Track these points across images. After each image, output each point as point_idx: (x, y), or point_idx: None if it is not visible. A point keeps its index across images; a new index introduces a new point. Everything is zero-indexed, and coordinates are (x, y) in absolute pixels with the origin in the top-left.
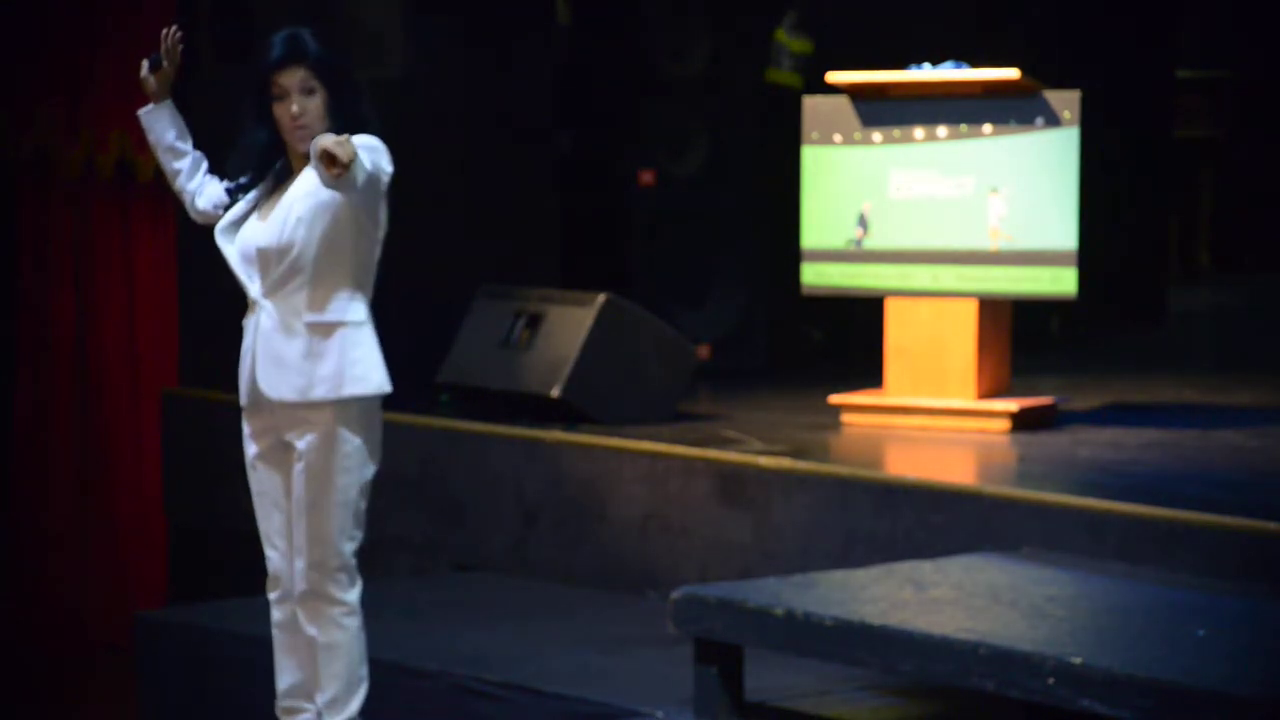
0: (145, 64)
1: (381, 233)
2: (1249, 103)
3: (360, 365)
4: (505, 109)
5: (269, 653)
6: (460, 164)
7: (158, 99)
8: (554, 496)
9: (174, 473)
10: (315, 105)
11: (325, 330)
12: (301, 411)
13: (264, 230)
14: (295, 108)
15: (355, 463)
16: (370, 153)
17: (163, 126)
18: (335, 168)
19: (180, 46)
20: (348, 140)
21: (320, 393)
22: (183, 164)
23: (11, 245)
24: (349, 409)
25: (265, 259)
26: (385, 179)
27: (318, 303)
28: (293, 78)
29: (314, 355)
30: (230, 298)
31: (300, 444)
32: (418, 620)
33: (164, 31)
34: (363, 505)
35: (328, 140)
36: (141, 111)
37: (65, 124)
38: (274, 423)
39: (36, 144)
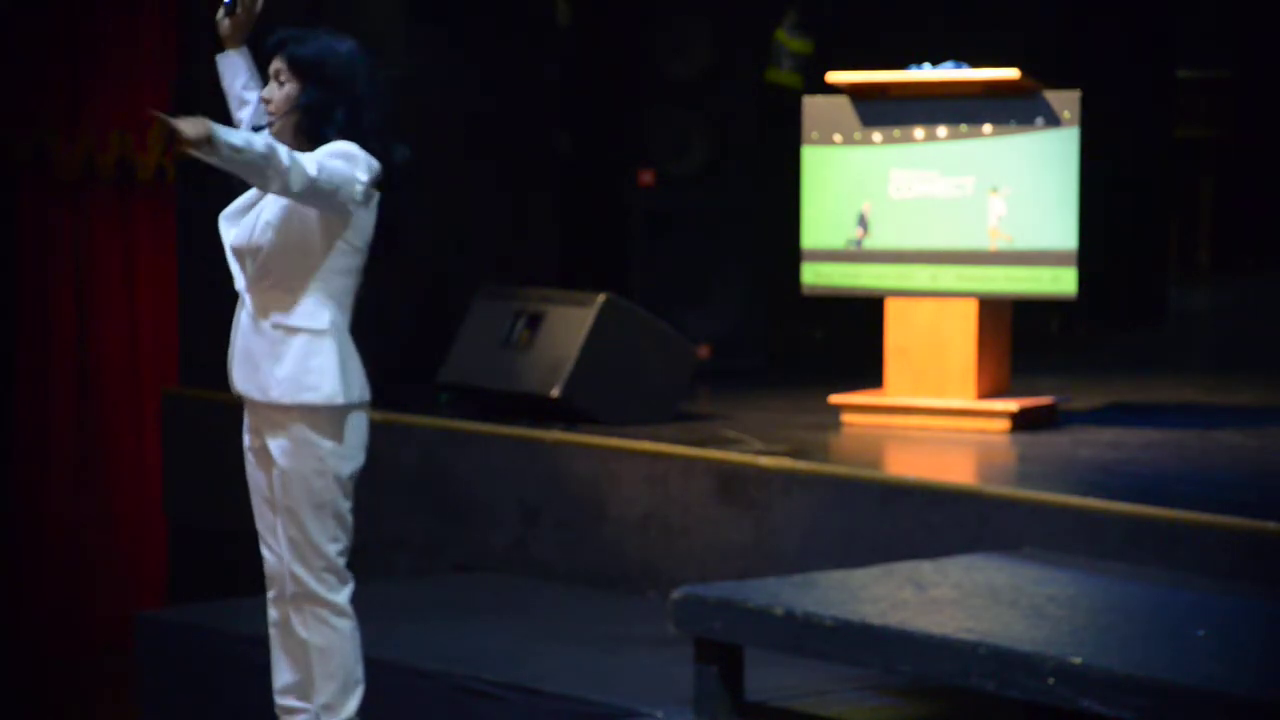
0: (222, 7)
1: (362, 241)
2: (1249, 103)
3: (314, 374)
4: (505, 109)
5: (269, 653)
6: (460, 164)
7: (231, 44)
8: (554, 496)
9: (174, 473)
10: (282, 95)
11: (289, 333)
12: (268, 412)
13: (240, 228)
14: (264, 92)
15: (330, 465)
16: (342, 159)
17: (232, 73)
18: (180, 145)
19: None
20: (201, 122)
21: (275, 395)
22: (244, 113)
23: (11, 245)
24: (318, 412)
25: (240, 257)
26: (348, 189)
27: (284, 305)
28: (273, 65)
29: (275, 357)
30: (230, 297)
31: (274, 447)
32: (418, 620)
33: None
34: (344, 506)
35: (181, 120)
36: (218, 55)
37: (65, 124)
38: (257, 422)
39: (36, 144)
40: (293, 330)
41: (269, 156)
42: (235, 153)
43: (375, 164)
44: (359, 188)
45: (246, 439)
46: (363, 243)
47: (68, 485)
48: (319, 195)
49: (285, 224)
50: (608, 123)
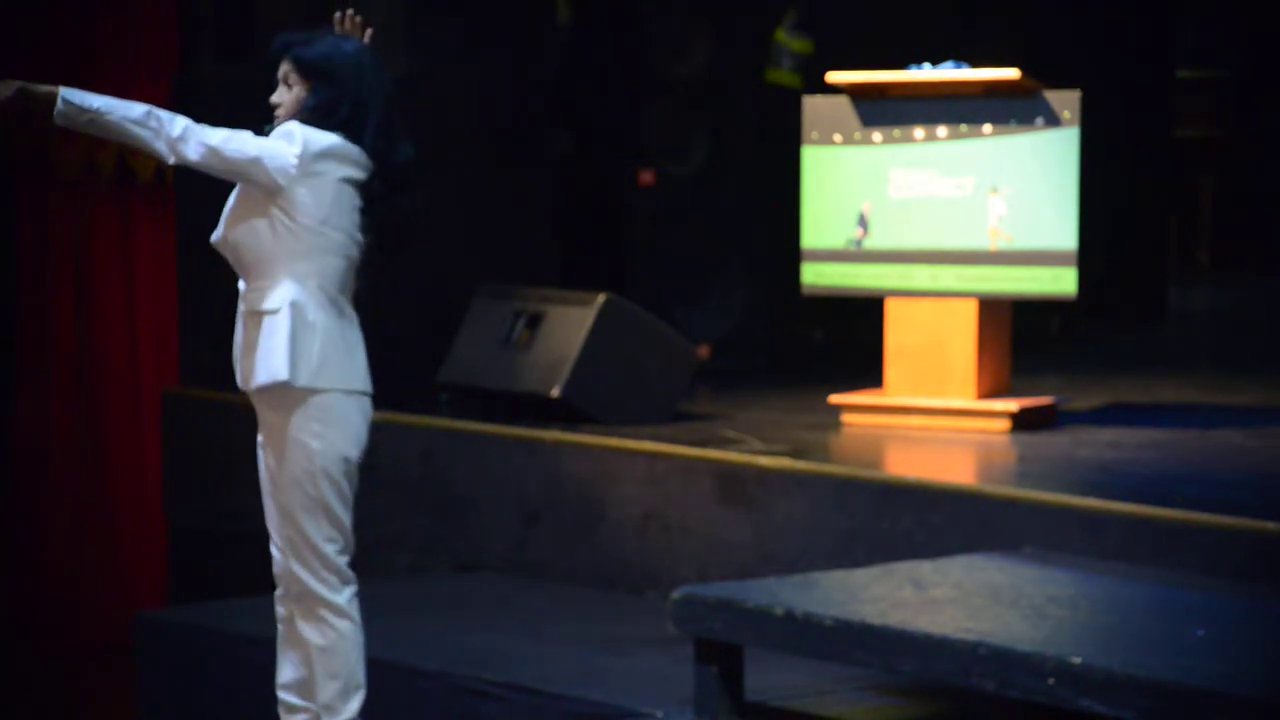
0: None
1: (313, 220)
2: (1249, 103)
3: (268, 355)
4: (505, 109)
5: (269, 652)
6: (460, 164)
7: None
8: (554, 496)
9: (174, 473)
10: (291, 98)
11: (257, 319)
12: (259, 406)
13: (218, 225)
14: (274, 96)
15: (320, 464)
16: (279, 136)
17: None
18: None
19: (368, 30)
20: (9, 83)
21: (248, 382)
22: None
23: (11, 245)
24: (305, 408)
25: (222, 252)
26: (274, 160)
27: (254, 292)
28: (280, 69)
29: (249, 344)
30: (230, 297)
31: (270, 446)
32: (418, 620)
33: (336, 15)
34: (339, 506)
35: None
36: None
37: None
38: (259, 418)
39: (36, 144)
40: (260, 315)
41: (146, 123)
42: (96, 114)
43: (321, 142)
44: (291, 161)
45: (260, 434)
46: (313, 221)
47: (68, 485)
48: (232, 164)
49: (240, 211)
50: (608, 123)
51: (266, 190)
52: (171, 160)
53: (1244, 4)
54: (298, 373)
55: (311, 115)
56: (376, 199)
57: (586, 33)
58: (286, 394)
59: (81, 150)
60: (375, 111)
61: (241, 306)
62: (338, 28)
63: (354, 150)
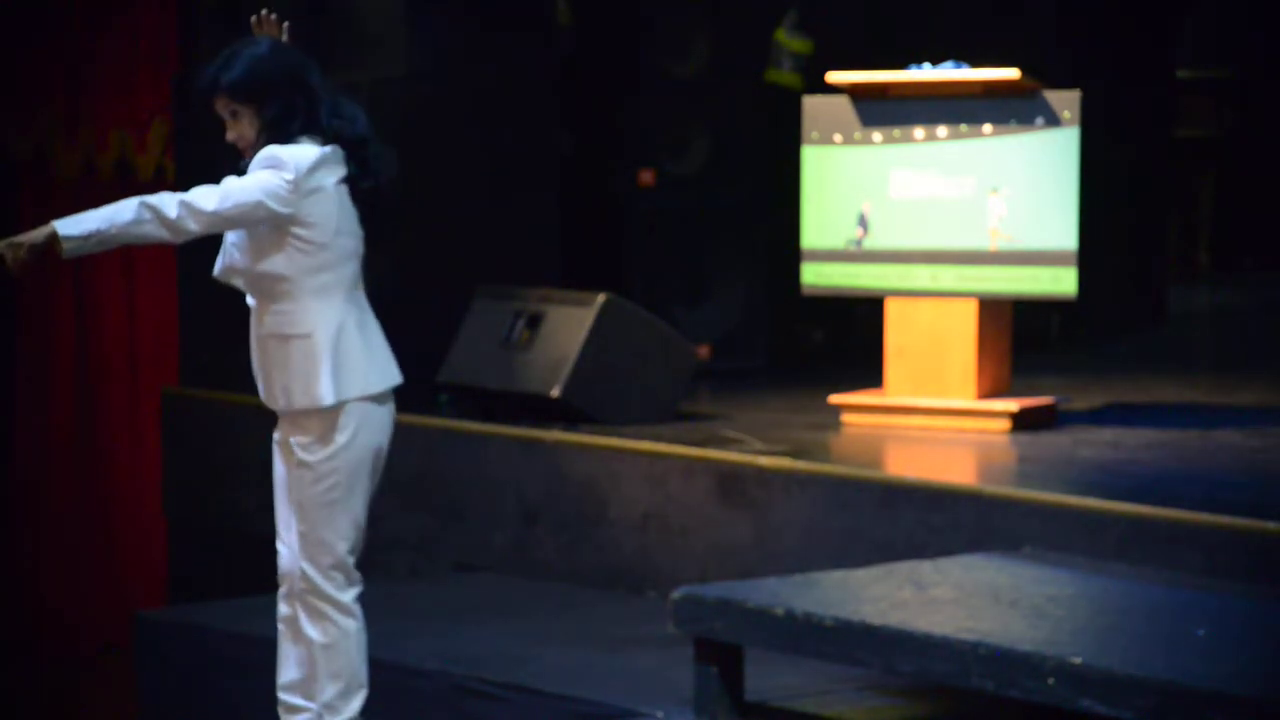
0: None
1: (326, 235)
2: (1249, 103)
3: (304, 379)
4: (505, 109)
5: (269, 652)
6: (460, 164)
7: None
8: (554, 496)
9: (174, 473)
10: (244, 127)
11: (279, 341)
12: (291, 414)
13: (218, 255)
14: (230, 134)
15: (343, 463)
16: (266, 167)
17: None
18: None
19: (285, 24)
20: (18, 247)
21: (282, 404)
22: None
23: None
24: (331, 411)
25: (228, 279)
26: (271, 197)
27: (274, 315)
28: (218, 107)
29: (276, 365)
30: (230, 297)
31: (292, 442)
32: (418, 620)
33: (253, 19)
34: (358, 506)
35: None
36: None
37: (65, 124)
38: (281, 418)
39: (36, 144)
40: (284, 338)
41: (142, 219)
42: (100, 236)
43: (309, 158)
44: (286, 187)
45: (276, 433)
46: (328, 236)
47: (68, 485)
48: (237, 219)
49: (246, 239)
50: (608, 123)
51: (269, 224)
52: (179, 241)
53: (1244, 4)
54: (343, 392)
55: (276, 130)
56: (355, 180)
57: (586, 33)
58: (324, 410)
59: (81, 150)
60: (320, 95)
61: (261, 331)
62: (255, 29)
63: (334, 150)
